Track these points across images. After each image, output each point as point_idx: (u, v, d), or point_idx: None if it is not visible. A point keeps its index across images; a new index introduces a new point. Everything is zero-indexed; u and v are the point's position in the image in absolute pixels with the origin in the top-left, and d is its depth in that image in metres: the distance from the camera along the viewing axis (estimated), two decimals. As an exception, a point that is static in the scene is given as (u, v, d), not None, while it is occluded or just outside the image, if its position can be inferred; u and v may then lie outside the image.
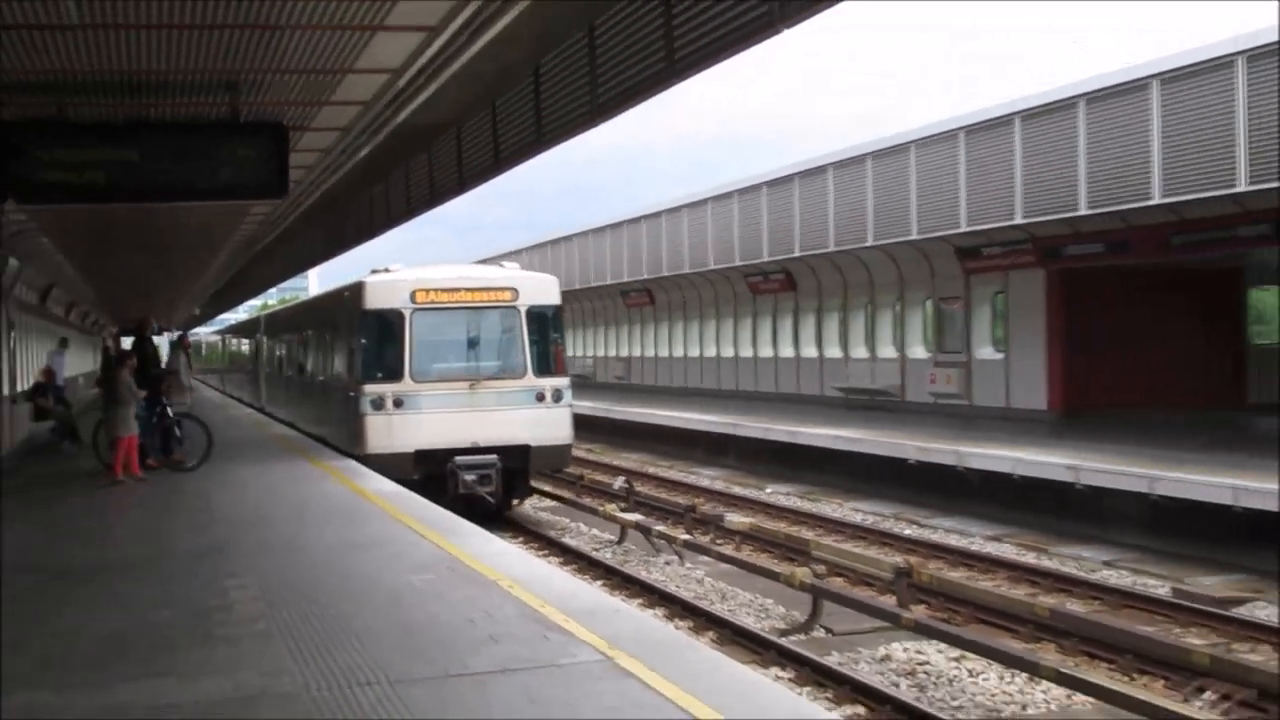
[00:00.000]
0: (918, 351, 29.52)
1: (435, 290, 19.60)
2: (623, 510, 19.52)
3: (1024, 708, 10.44)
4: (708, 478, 27.08)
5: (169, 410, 19.07)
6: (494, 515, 18.40)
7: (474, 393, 19.17)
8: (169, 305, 47.54)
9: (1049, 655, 11.35)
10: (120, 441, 17.76)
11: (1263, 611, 13.27)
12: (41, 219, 18.63)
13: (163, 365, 20.96)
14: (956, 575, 15.17)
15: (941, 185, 23.99)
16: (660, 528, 17.71)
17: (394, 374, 19.21)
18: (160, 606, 9.32)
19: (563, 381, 20.02)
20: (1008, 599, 13.45)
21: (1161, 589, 14.46)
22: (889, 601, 13.24)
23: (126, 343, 25.56)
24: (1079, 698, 10.14)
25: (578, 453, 24.29)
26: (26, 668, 7.70)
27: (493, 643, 7.87)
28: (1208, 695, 10.15)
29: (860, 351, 31.69)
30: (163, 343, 34.29)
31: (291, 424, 28.49)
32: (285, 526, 13.34)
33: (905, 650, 12.17)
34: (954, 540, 18.13)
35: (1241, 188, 17.24)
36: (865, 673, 11.30)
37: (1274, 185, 16.80)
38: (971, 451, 20.22)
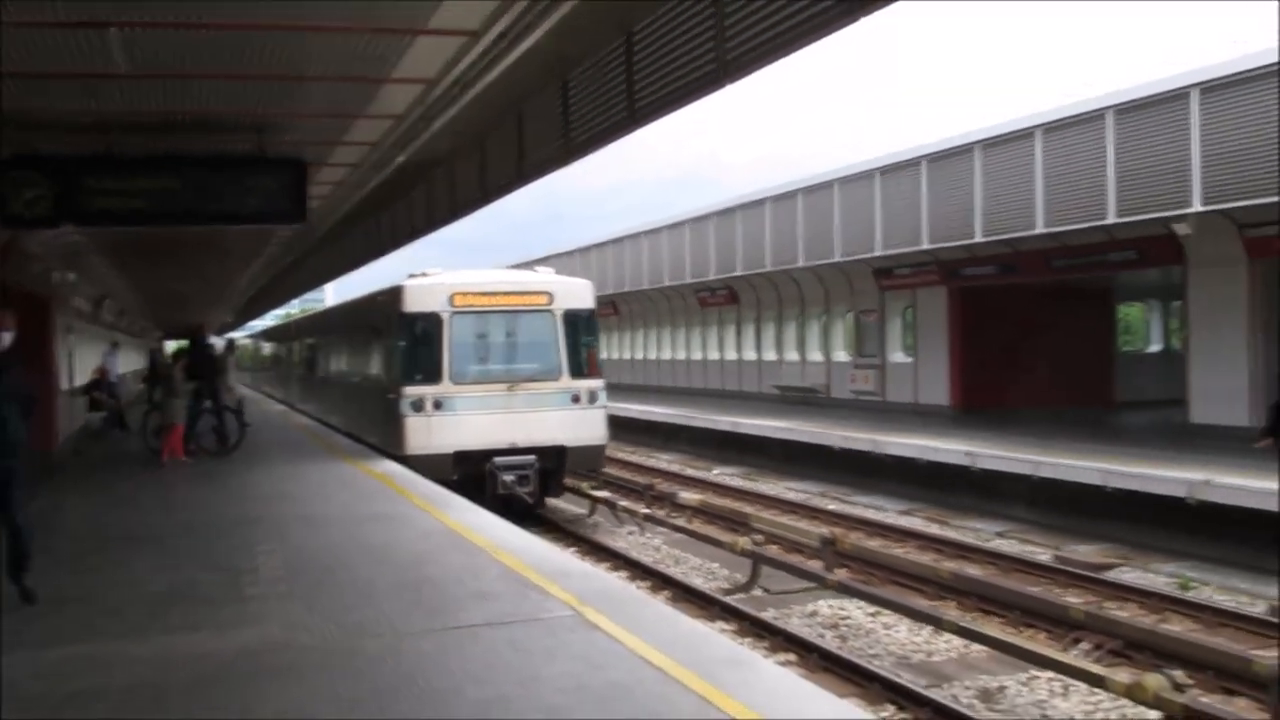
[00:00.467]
0: (841, 355, 29.63)
1: (473, 293, 17.44)
2: (592, 488, 19.39)
3: (929, 656, 10.49)
4: (664, 461, 27.05)
5: (220, 404, 18.87)
6: (529, 513, 16.50)
7: (512, 394, 17.02)
8: (203, 314, 47.04)
9: (950, 611, 11.41)
10: (170, 429, 17.68)
11: (1128, 575, 13.40)
12: (94, 239, 18.41)
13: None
14: (873, 544, 15.22)
15: (861, 216, 24.08)
16: (624, 503, 17.68)
17: (433, 376, 16.99)
18: (199, 569, 9.26)
19: (597, 383, 17.73)
20: (916, 564, 13.54)
21: (1044, 556, 14.57)
22: (816, 566, 13.26)
23: (170, 347, 25.26)
24: (975, 647, 10.19)
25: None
26: (91, 617, 7.70)
27: (482, 599, 7.85)
28: (1083, 645, 10.23)
29: (793, 355, 31.77)
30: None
31: (321, 420, 26.72)
32: (305, 502, 13.24)
33: (830, 607, 12.22)
34: (871, 514, 18.19)
35: (1110, 220, 17.41)
36: (796, 625, 11.35)
37: (1138, 218, 17.02)
38: (886, 440, 20.30)
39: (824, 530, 14.79)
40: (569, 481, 18.59)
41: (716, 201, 32.09)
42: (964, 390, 24.85)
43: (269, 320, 67.25)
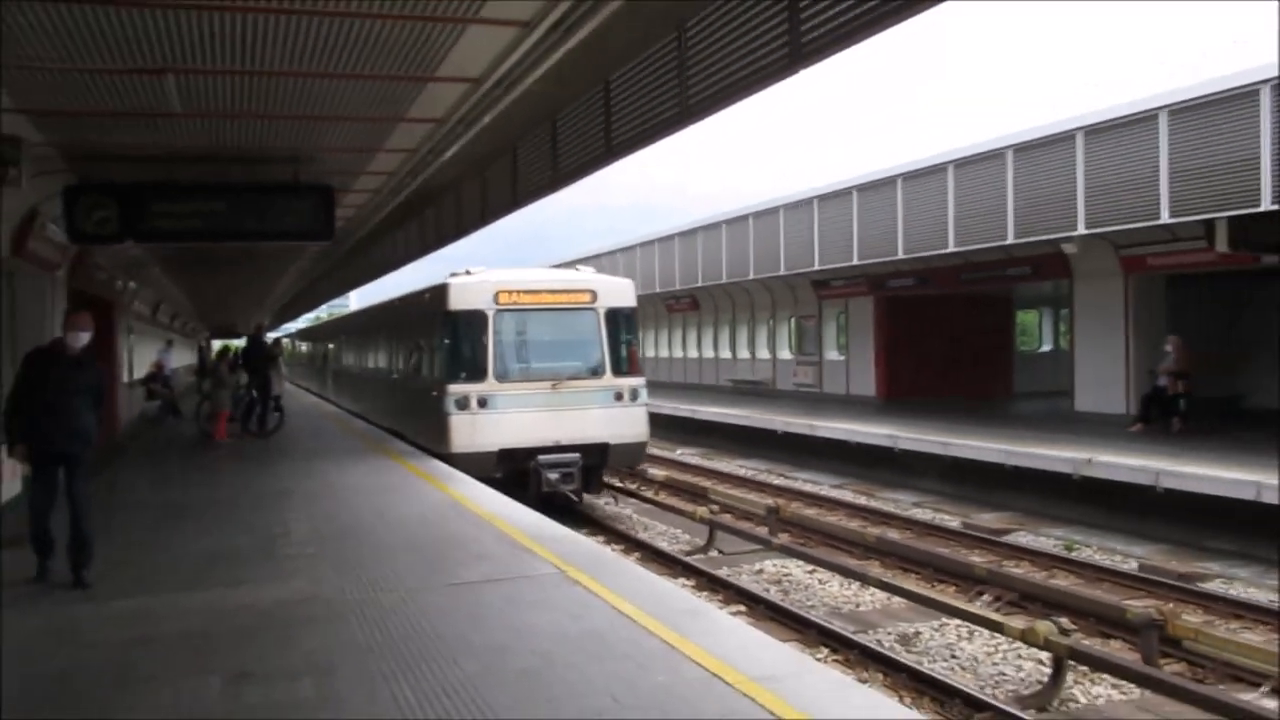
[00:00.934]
0: (785, 354, 29.66)
1: (518, 291, 15.14)
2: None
3: (857, 607, 10.52)
4: (636, 443, 26.91)
5: (269, 393, 18.71)
6: (569, 509, 14.36)
7: (555, 392, 14.75)
8: (246, 316, 46.68)
9: (875, 569, 11.47)
10: (220, 415, 17.58)
11: (1023, 539, 13.48)
12: (152, 253, 18.26)
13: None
14: (810, 512, 15.23)
15: (802, 237, 24.12)
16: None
17: (477, 374, 14.73)
18: (240, 534, 9.21)
19: (639, 381, 15.52)
20: (846, 529, 13.58)
21: (953, 522, 14.62)
22: (763, 531, 13.32)
23: (216, 345, 24.98)
24: (895, 599, 10.23)
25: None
26: (146, 574, 7.65)
27: (480, 560, 7.85)
28: (985, 597, 10.31)
29: (745, 354, 31.80)
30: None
31: (363, 416, 23.77)
32: (330, 476, 13.19)
33: (774, 566, 12.25)
34: (809, 487, 18.20)
35: (1010, 241, 17.54)
36: (745, 581, 11.36)
37: (1033, 239, 17.15)
38: (821, 425, 20.33)
39: (770, 501, 14.85)
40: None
41: (680, 223, 32.12)
42: (888, 383, 24.94)
43: (301, 323, 66.66)
